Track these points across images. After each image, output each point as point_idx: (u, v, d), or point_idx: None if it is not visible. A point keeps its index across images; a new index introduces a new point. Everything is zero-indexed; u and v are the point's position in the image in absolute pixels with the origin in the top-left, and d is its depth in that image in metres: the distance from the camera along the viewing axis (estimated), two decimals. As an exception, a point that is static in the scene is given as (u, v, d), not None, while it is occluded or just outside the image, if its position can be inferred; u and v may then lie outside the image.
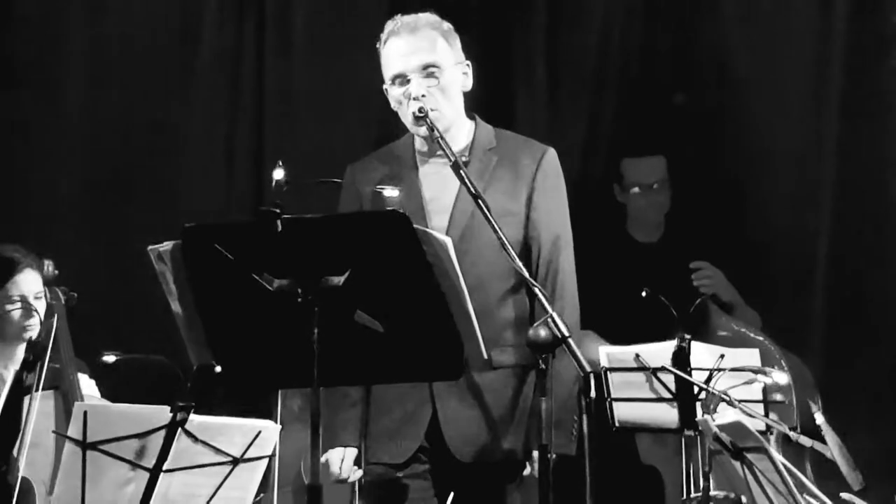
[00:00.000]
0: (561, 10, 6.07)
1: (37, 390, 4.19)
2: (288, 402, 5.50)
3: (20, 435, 4.14)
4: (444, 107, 4.08)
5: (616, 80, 6.03)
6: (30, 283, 4.55)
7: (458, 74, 4.13)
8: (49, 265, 4.53)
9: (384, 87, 4.14)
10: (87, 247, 5.86)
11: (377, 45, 4.14)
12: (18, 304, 4.52)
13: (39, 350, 4.32)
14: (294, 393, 5.52)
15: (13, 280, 4.54)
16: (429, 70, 4.07)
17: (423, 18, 4.13)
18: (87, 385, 4.53)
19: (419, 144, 4.18)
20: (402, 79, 4.08)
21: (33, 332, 4.48)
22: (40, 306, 4.52)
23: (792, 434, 4.23)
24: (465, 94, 4.18)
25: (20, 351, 4.52)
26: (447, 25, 4.15)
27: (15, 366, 4.49)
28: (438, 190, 4.14)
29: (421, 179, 4.16)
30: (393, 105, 4.14)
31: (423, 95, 4.04)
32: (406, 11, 4.16)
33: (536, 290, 3.76)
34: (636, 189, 5.73)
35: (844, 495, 4.03)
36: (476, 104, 4.26)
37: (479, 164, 4.12)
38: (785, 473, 3.55)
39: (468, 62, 4.17)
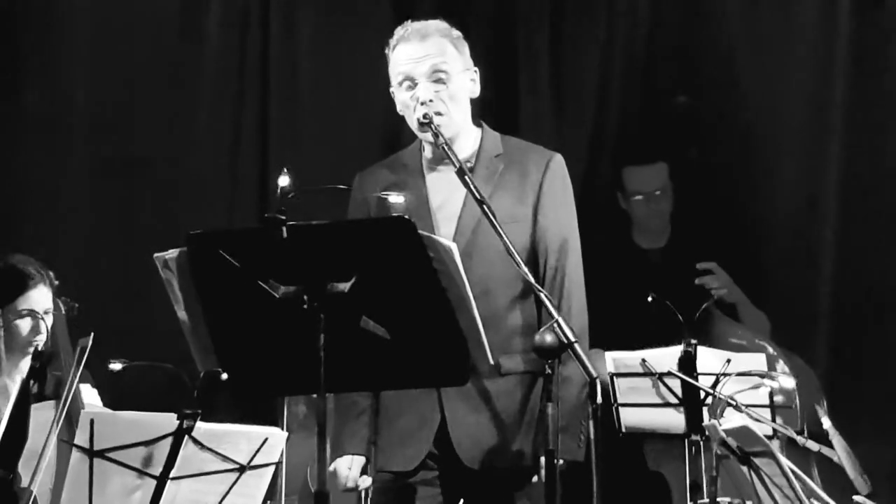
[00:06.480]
0: (565, 17, 6.07)
1: (64, 403, 4.17)
2: (293, 409, 5.49)
3: (44, 447, 4.12)
4: (451, 113, 4.08)
5: (620, 85, 6.03)
6: (40, 298, 4.54)
7: (466, 81, 4.14)
8: (50, 276, 4.53)
9: (391, 90, 4.15)
10: (93, 255, 5.86)
11: (385, 51, 4.15)
12: (27, 318, 4.52)
13: (46, 359, 4.31)
14: (298, 399, 5.51)
15: (25, 295, 4.53)
16: (437, 75, 4.08)
17: (432, 25, 4.14)
18: (89, 394, 4.52)
19: (427, 152, 4.19)
20: (410, 82, 4.09)
21: (39, 345, 4.48)
22: (49, 321, 4.51)
23: (799, 438, 4.22)
24: (472, 101, 4.18)
25: (26, 362, 4.51)
26: (456, 33, 4.16)
27: (21, 376, 4.49)
28: (446, 197, 4.14)
29: (428, 187, 4.16)
30: (399, 109, 4.14)
31: (430, 100, 4.05)
32: (415, 18, 4.17)
33: (542, 296, 3.76)
34: (638, 197, 5.73)
35: (858, 498, 4.02)
36: (481, 111, 4.26)
37: (486, 171, 4.13)
38: (792, 478, 3.55)
39: (476, 69, 4.17)
